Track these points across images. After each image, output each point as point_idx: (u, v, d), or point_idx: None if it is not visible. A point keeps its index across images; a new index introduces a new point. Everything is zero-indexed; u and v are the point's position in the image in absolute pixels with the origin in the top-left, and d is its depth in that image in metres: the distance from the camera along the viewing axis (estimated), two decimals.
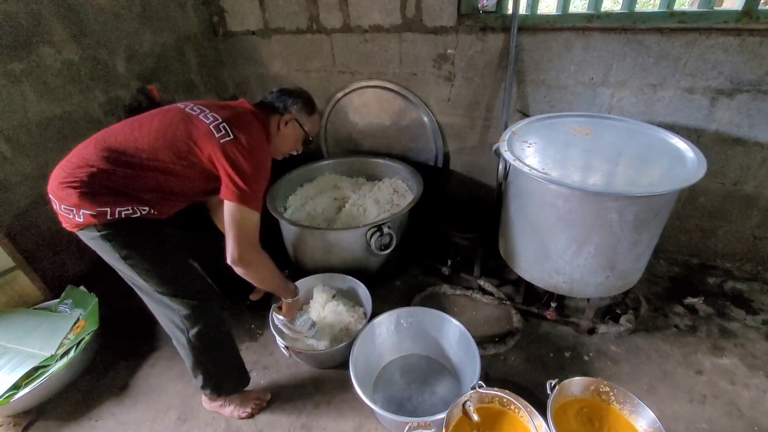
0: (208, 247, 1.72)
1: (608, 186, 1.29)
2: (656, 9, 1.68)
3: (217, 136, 1.17)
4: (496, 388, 1.25)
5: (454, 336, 1.55)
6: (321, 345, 1.61)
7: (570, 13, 1.79)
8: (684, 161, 1.40)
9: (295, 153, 1.54)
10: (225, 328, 1.40)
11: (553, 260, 1.50)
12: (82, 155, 1.15)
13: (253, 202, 1.18)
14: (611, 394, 1.30)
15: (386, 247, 1.86)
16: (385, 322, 1.60)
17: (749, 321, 1.77)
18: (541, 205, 1.43)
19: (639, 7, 1.72)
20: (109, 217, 1.12)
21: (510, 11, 1.79)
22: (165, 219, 1.28)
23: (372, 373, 1.59)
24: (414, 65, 2.16)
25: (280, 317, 1.53)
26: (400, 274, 2.15)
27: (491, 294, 1.95)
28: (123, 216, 1.14)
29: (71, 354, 1.63)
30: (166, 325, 1.31)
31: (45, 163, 1.88)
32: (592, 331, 1.74)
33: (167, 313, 1.27)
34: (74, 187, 1.10)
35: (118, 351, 1.81)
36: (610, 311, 1.81)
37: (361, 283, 1.79)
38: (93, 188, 1.11)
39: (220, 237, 1.65)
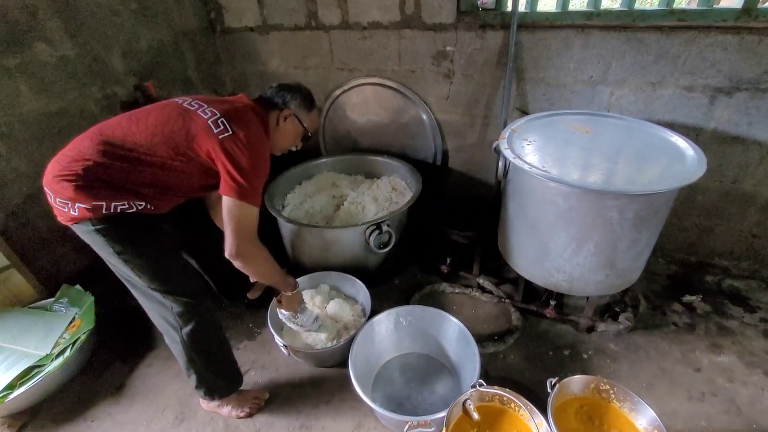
0: (205, 245, 1.70)
1: (609, 184, 1.28)
2: (656, 7, 1.68)
3: (215, 131, 1.15)
4: (496, 387, 1.24)
5: (453, 334, 1.55)
6: (321, 335, 1.60)
7: (569, 10, 1.79)
8: (683, 159, 1.40)
9: (294, 149, 1.53)
10: (218, 327, 1.39)
11: (552, 258, 1.50)
12: (78, 148, 1.13)
13: (252, 197, 1.17)
14: (611, 392, 1.30)
15: (385, 245, 1.85)
16: (385, 320, 1.59)
17: (747, 319, 1.77)
18: (541, 203, 1.43)
19: (638, 5, 1.71)
20: (104, 211, 1.10)
21: (509, 8, 1.78)
22: (162, 215, 1.27)
23: (371, 371, 1.58)
24: (413, 62, 2.15)
25: (284, 312, 1.52)
26: (399, 272, 2.15)
27: (490, 292, 1.95)
28: (119, 211, 1.12)
29: (67, 353, 1.61)
30: (159, 323, 1.30)
31: (40, 160, 1.85)
32: (591, 329, 1.74)
33: (160, 311, 1.26)
34: (69, 180, 1.09)
35: (115, 350, 1.79)
36: (609, 309, 1.81)
37: (359, 282, 1.78)
38: (89, 182, 1.10)
39: (218, 234, 1.64)
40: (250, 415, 1.49)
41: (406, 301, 1.94)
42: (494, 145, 1.54)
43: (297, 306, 1.52)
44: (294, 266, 2.04)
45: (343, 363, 1.45)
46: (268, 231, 1.88)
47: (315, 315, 1.59)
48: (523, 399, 1.21)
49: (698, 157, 1.37)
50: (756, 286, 1.93)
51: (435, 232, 2.03)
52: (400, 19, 2.04)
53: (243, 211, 1.16)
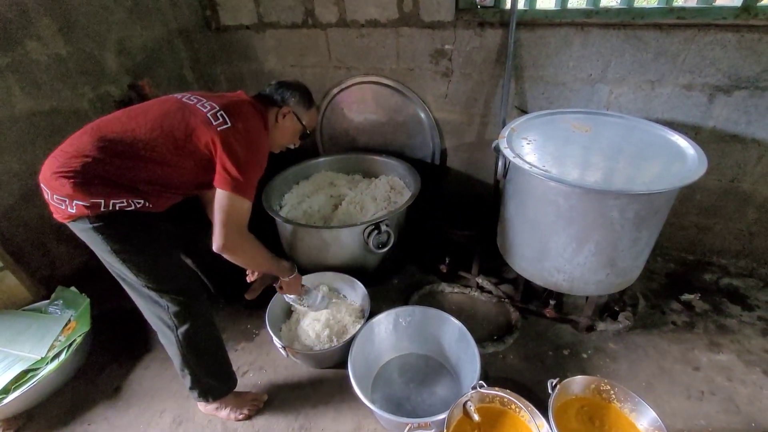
0: (202, 245, 1.69)
1: (610, 183, 1.28)
2: (655, 5, 1.67)
3: (214, 123, 1.15)
4: (497, 388, 1.24)
5: (453, 335, 1.54)
6: (322, 316, 1.64)
7: (569, 8, 1.78)
8: (684, 158, 1.39)
9: (292, 146, 1.52)
10: (214, 328, 1.38)
11: (552, 258, 1.49)
12: (76, 145, 1.12)
13: (245, 190, 1.17)
14: (612, 392, 1.30)
15: (384, 245, 1.84)
16: (384, 321, 1.58)
17: (745, 317, 1.78)
18: (542, 202, 1.42)
19: (638, 3, 1.71)
20: (102, 208, 1.09)
21: (508, 6, 1.77)
22: (159, 213, 1.25)
23: (370, 372, 1.58)
24: (411, 61, 2.13)
25: (291, 296, 1.54)
26: (397, 272, 2.14)
27: (489, 292, 1.94)
28: (117, 208, 1.11)
29: (62, 356, 1.59)
30: (154, 323, 1.29)
31: (33, 160, 1.83)
32: (590, 329, 1.73)
33: (155, 310, 1.25)
34: (68, 177, 1.07)
35: (111, 353, 1.77)
36: (608, 308, 1.80)
37: (358, 282, 1.77)
38: (87, 178, 1.08)
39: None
40: (248, 418, 1.48)
41: (405, 301, 1.93)
42: (494, 144, 1.53)
43: (299, 289, 1.53)
44: None
45: (342, 364, 1.44)
46: (266, 231, 1.87)
47: (320, 295, 1.61)
48: (524, 400, 1.21)
49: (698, 156, 1.37)
50: (754, 285, 1.94)
51: (434, 232, 2.02)
52: (398, 17, 2.03)
53: (235, 204, 1.16)
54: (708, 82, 1.69)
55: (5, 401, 1.42)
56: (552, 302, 1.72)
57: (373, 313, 1.59)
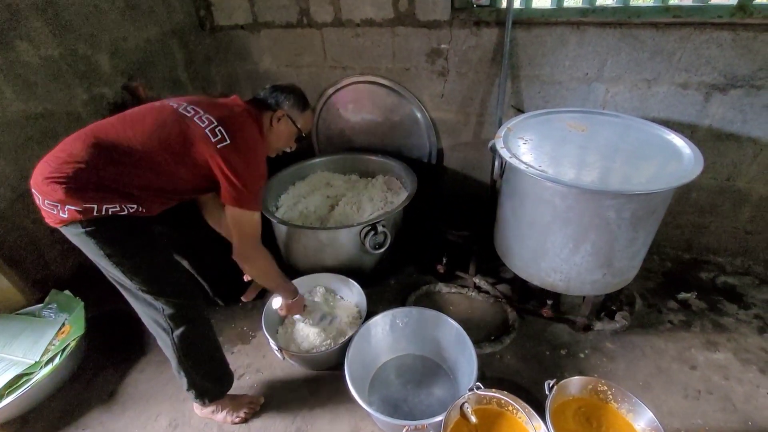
0: (198, 246, 1.68)
1: (606, 184, 1.27)
2: (651, 3, 1.66)
3: (213, 140, 1.16)
4: (494, 390, 1.23)
5: (450, 335, 1.53)
6: (336, 328, 1.65)
7: (564, 7, 1.78)
8: (680, 157, 1.39)
9: (288, 150, 1.51)
10: (210, 330, 1.38)
11: (549, 258, 1.49)
12: (70, 150, 1.10)
13: (252, 203, 1.24)
14: (609, 393, 1.30)
15: (381, 245, 1.83)
16: (381, 322, 1.58)
17: (742, 315, 1.78)
18: (538, 202, 1.41)
19: (633, 2, 1.70)
20: (95, 213, 1.08)
21: (504, 5, 1.76)
22: (153, 216, 1.24)
23: (367, 374, 1.57)
24: (407, 60, 2.12)
25: (297, 316, 1.63)
26: (395, 272, 2.13)
27: (487, 292, 1.94)
28: (110, 213, 1.10)
29: (56, 361, 1.58)
30: (150, 325, 1.29)
31: (25, 164, 1.81)
32: (587, 329, 1.73)
33: (151, 313, 1.24)
34: (60, 183, 1.06)
35: (106, 357, 1.76)
36: (605, 308, 1.80)
37: (355, 283, 1.76)
38: (80, 184, 1.07)
39: (212, 235, 1.63)
40: (245, 421, 1.47)
41: (402, 302, 1.93)
42: (490, 144, 1.53)
43: (301, 310, 1.62)
44: (288, 268, 2.02)
45: (340, 365, 1.43)
46: (262, 232, 1.86)
47: (321, 314, 1.65)
48: (521, 402, 1.20)
49: (694, 155, 1.37)
50: (750, 283, 1.94)
51: (431, 232, 2.01)
52: (394, 16, 2.01)
53: (246, 218, 1.23)
54: (704, 81, 1.69)
55: None
56: (549, 302, 1.72)
57: (370, 314, 1.59)
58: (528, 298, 1.84)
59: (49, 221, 1.13)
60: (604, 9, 1.67)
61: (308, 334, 1.61)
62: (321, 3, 2.11)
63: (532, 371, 1.59)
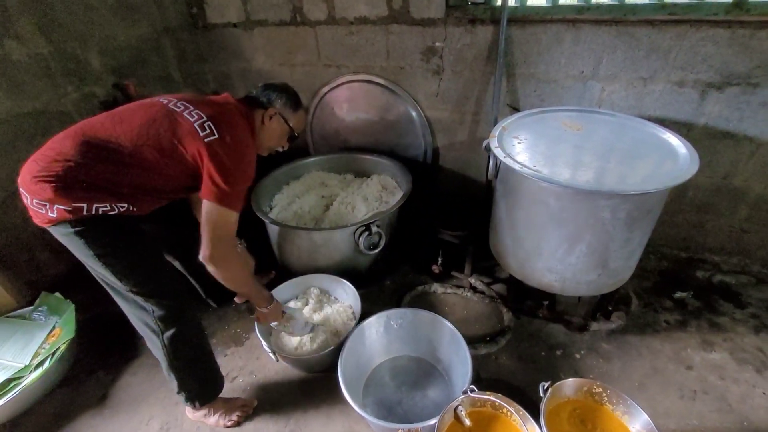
0: (190, 246, 1.65)
1: (601, 184, 1.26)
2: (647, 1, 1.65)
3: (201, 134, 1.13)
4: (488, 392, 1.22)
5: (444, 337, 1.52)
6: (319, 337, 1.58)
7: (560, 4, 1.76)
8: (676, 156, 1.38)
9: (280, 149, 1.50)
10: (201, 332, 1.36)
11: (544, 259, 1.47)
12: (58, 149, 1.09)
13: (233, 202, 1.16)
14: (604, 394, 1.28)
15: (375, 246, 1.82)
16: (375, 323, 1.56)
17: (738, 315, 1.77)
18: (533, 203, 1.40)
19: None
20: (85, 212, 1.06)
21: (499, 3, 1.75)
22: (143, 216, 1.23)
23: (362, 376, 1.56)
24: (402, 59, 2.10)
25: (274, 324, 1.51)
26: (389, 273, 2.11)
27: (482, 292, 1.93)
28: (100, 212, 1.09)
29: (46, 364, 1.56)
30: (140, 327, 1.27)
31: (15, 164, 1.77)
32: (583, 329, 1.72)
33: (140, 315, 1.23)
34: (49, 182, 1.04)
35: (97, 360, 1.74)
36: (601, 308, 1.79)
37: (349, 284, 1.74)
38: (69, 183, 1.05)
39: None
40: (237, 424, 1.45)
41: (397, 303, 1.91)
42: (484, 144, 1.51)
43: (278, 318, 1.50)
44: (282, 269, 2.00)
45: (334, 367, 1.42)
46: (255, 234, 1.84)
47: (303, 321, 1.57)
48: (515, 404, 1.19)
49: (690, 154, 1.35)
50: (746, 281, 1.94)
51: (426, 232, 2.00)
52: (388, 14, 1.99)
53: (222, 216, 1.16)
54: (700, 79, 1.67)
55: None
56: (545, 302, 1.71)
57: (365, 315, 1.57)
58: (523, 298, 1.83)
59: (37, 221, 1.11)
60: (599, 6, 1.66)
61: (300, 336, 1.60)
62: (314, 1, 2.09)
63: (528, 372, 1.58)
